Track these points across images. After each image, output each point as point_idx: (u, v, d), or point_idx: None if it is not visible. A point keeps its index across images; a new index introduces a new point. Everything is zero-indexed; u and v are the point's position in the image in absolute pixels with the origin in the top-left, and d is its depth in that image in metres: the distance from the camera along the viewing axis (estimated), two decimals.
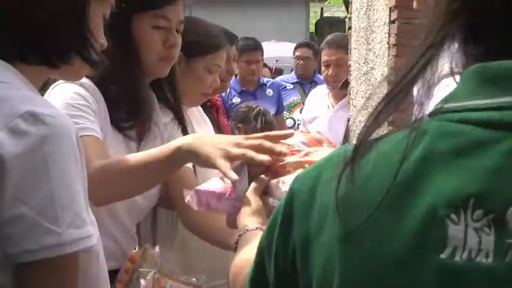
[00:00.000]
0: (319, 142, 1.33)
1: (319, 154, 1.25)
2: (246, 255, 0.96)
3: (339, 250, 0.60)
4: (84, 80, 1.56)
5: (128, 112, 1.71)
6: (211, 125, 2.33)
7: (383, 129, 2.36)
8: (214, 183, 1.33)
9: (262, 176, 1.22)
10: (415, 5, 1.39)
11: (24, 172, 0.88)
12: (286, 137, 1.30)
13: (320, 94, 3.92)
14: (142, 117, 1.74)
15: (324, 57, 3.77)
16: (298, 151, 1.28)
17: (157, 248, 1.72)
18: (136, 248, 2.08)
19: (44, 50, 1.01)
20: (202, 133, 1.59)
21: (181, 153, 1.40)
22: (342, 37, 3.97)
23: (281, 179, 1.22)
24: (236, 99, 4.60)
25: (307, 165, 1.19)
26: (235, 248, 1.08)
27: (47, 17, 1.00)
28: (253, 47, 4.63)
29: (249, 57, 4.59)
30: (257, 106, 3.61)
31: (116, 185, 1.51)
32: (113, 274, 1.66)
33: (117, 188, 1.53)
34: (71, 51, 1.03)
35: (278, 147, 1.25)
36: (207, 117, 2.34)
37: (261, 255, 0.73)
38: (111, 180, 1.48)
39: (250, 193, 1.19)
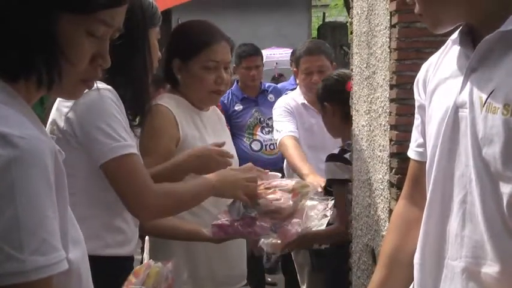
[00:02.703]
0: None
1: (270, 178, 2.11)
2: None
3: None
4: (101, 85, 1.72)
5: (137, 112, 1.89)
6: (229, 134, 2.36)
7: (387, 133, 2.34)
8: (221, 217, 2.05)
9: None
10: (417, 9, 1.38)
11: None
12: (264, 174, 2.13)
13: (292, 106, 3.72)
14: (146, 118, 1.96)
15: (305, 64, 3.62)
16: (263, 183, 2.07)
17: (169, 264, 1.71)
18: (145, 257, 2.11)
19: (4, 67, 0.97)
20: (219, 176, 1.98)
21: (214, 190, 1.92)
22: (321, 43, 3.84)
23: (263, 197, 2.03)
24: (238, 106, 4.61)
25: (265, 187, 2.05)
26: None
27: (6, 35, 0.96)
28: (252, 52, 4.63)
29: (248, 63, 4.59)
30: None
31: (170, 211, 1.91)
32: (128, 260, 1.88)
33: (169, 213, 1.93)
34: (32, 70, 0.98)
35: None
36: (225, 125, 2.36)
37: None
38: (168, 207, 1.85)
39: None
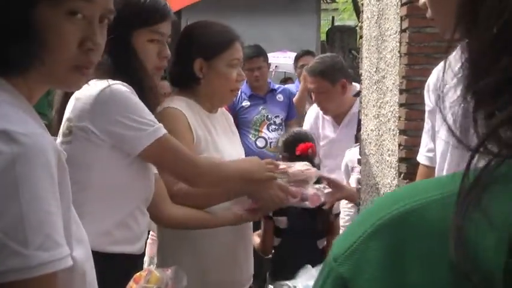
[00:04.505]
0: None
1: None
2: None
3: None
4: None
5: None
6: (238, 135, 2.36)
7: (396, 138, 2.31)
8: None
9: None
10: (428, 13, 1.38)
11: None
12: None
13: (314, 119, 3.79)
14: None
15: (308, 84, 3.72)
16: (280, 164, 2.22)
17: (169, 271, 1.71)
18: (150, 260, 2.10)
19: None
20: (249, 162, 2.14)
21: (246, 174, 2.05)
22: (323, 62, 3.62)
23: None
24: (246, 103, 4.65)
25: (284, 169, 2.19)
26: None
27: None
28: (253, 54, 4.66)
29: (250, 64, 4.62)
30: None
31: (217, 180, 2.02)
32: (136, 258, 1.85)
33: (217, 183, 2.05)
34: (18, 63, 0.96)
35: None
36: (235, 126, 2.36)
37: None
38: (215, 175, 1.99)
39: None
